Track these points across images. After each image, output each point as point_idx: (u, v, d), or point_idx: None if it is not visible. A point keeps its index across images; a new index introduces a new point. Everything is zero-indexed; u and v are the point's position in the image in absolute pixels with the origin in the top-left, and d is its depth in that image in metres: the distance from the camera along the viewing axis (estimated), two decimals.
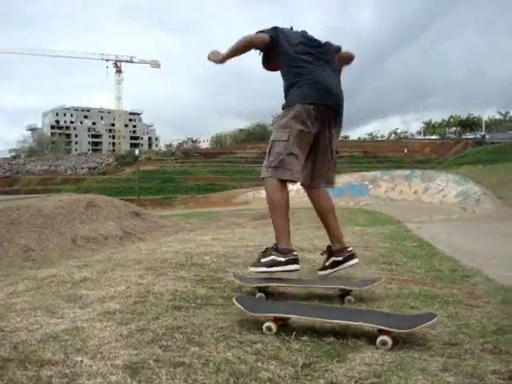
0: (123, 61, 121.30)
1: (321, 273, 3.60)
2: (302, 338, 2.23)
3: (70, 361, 2.00)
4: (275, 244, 3.32)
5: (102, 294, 3.15)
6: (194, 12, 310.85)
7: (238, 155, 75.18)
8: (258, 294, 3.00)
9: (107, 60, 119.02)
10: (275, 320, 2.32)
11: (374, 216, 15.09)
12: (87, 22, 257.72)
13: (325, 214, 3.72)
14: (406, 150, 65.43)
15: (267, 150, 3.59)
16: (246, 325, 2.44)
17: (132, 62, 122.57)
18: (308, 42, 3.57)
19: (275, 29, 3.59)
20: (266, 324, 2.30)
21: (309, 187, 3.79)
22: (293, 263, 3.19)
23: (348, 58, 3.93)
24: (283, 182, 3.50)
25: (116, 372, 1.87)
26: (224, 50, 3.67)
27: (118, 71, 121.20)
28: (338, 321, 2.31)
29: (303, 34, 3.67)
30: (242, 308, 2.43)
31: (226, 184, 56.05)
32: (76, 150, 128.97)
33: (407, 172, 31.84)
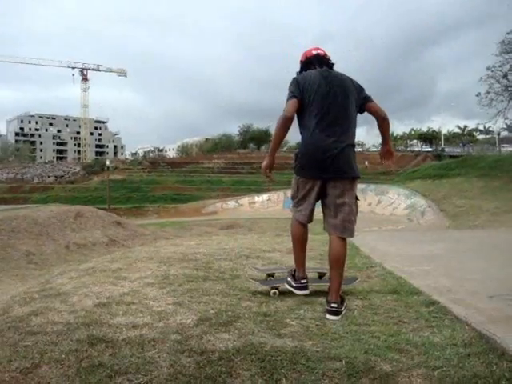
0: (90, 69, 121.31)
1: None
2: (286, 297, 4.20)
3: (141, 303, 3.90)
4: (294, 269, 4.15)
5: (137, 275, 5.04)
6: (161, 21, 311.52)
7: (205, 165, 76.25)
8: (272, 291, 4.38)
9: (73, 68, 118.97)
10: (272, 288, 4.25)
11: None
12: (54, 27, 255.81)
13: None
14: (366, 163, 67.58)
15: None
16: (232, 287, 4.43)
17: (98, 70, 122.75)
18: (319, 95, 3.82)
19: (296, 86, 3.87)
20: (273, 290, 4.23)
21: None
22: (301, 289, 4.01)
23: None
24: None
25: (169, 305, 3.80)
26: None
27: (85, 79, 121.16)
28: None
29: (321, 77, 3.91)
30: (256, 283, 4.41)
31: (193, 194, 57.32)
32: (41, 157, 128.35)
33: (363, 186, 34.08)
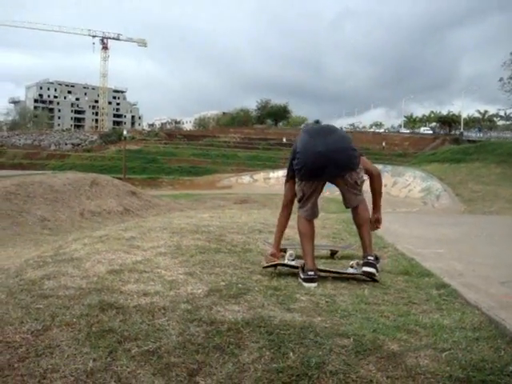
0: (110, 38, 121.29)
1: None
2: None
3: (153, 272, 3.93)
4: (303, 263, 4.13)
5: (150, 245, 5.07)
6: None
7: (221, 139, 76.19)
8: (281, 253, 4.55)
9: (94, 36, 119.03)
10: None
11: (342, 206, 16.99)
12: None
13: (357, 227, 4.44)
14: (383, 144, 67.19)
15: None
16: (243, 261, 4.45)
17: (119, 39, 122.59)
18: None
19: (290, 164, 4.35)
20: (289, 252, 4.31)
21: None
22: (308, 281, 3.87)
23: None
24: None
25: (180, 275, 3.83)
26: None
27: (105, 48, 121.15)
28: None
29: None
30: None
31: (208, 167, 57.47)
32: (58, 124, 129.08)
33: (379, 166, 33.95)
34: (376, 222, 4.61)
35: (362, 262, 4.13)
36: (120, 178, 24.94)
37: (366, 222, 4.35)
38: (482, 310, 3.13)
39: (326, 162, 4.02)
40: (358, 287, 3.77)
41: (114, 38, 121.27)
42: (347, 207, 4.38)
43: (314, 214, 4.31)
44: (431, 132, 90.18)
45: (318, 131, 4.32)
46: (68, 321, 2.78)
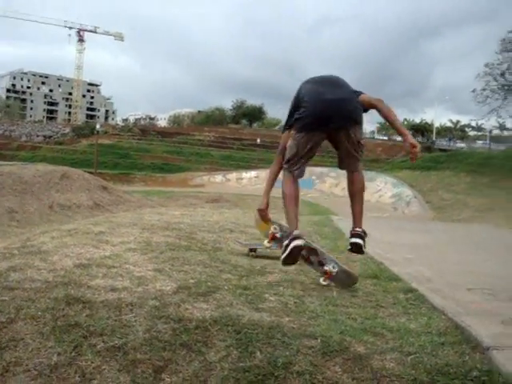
0: (86, 30, 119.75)
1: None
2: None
3: (122, 267, 3.89)
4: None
5: (120, 240, 5.02)
6: None
7: (195, 137, 75.79)
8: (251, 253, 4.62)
9: (70, 28, 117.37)
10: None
11: (315, 208, 17.16)
12: None
13: (350, 196, 4.24)
14: None
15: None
16: (213, 259, 4.43)
17: (95, 32, 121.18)
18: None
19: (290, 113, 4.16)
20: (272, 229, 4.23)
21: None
22: (295, 239, 3.75)
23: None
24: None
25: (149, 271, 3.79)
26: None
27: (81, 40, 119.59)
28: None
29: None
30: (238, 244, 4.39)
31: (181, 165, 57.17)
32: (30, 116, 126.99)
33: None
34: (412, 148, 3.80)
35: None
36: (91, 173, 24.63)
37: (360, 192, 4.21)
38: (448, 316, 3.16)
39: (333, 111, 3.84)
40: (326, 289, 3.78)
41: (90, 31, 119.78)
42: (342, 168, 4.22)
43: (302, 173, 4.09)
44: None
45: (327, 80, 4.12)
46: (33, 314, 2.73)
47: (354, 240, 4.03)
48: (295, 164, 4.06)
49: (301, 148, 3.99)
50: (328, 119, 3.86)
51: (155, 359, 2.37)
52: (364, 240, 4.05)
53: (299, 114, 3.98)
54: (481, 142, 74.41)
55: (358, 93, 4.08)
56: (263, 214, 4.37)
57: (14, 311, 2.75)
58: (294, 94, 4.24)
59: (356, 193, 4.19)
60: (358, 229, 4.09)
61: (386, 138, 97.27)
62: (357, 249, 4.06)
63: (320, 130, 3.95)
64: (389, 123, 4.14)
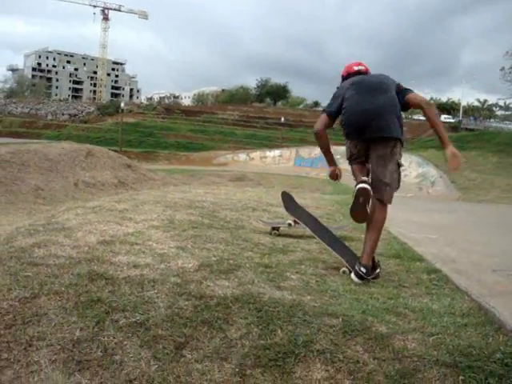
0: (111, 8, 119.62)
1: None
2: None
3: (145, 244, 3.91)
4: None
5: (143, 217, 5.05)
6: None
7: (219, 116, 75.80)
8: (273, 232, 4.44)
9: (95, 6, 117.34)
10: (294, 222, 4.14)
11: (338, 187, 16.97)
12: None
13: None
14: None
15: None
16: (236, 237, 4.44)
17: (120, 10, 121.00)
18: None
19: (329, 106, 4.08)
20: (288, 221, 4.13)
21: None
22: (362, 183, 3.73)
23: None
24: None
25: (172, 249, 3.81)
26: None
27: (105, 18, 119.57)
28: (325, 245, 4.11)
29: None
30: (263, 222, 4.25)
31: (205, 143, 57.16)
32: (56, 94, 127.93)
33: None
34: (454, 158, 3.66)
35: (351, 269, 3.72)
36: (116, 151, 24.76)
37: (374, 229, 3.81)
38: (471, 297, 3.13)
39: (364, 122, 3.77)
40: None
41: (115, 9, 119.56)
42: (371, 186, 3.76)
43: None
44: (452, 120, 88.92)
45: (369, 86, 3.94)
46: (56, 289, 2.76)
47: (353, 277, 3.58)
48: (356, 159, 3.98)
49: (353, 151, 3.96)
50: (360, 128, 3.80)
51: (176, 335, 2.38)
52: (363, 278, 3.54)
53: (341, 121, 3.95)
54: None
55: (406, 91, 3.93)
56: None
57: (38, 286, 2.78)
58: (333, 83, 4.29)
59: (370, 226, 3.84)
60: (362, 268, 3.57)
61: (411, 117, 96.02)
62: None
63: (358, 140, 3.90)
64: (432, 128, 3.89)
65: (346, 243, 4.77)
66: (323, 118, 4.02)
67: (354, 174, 4.04)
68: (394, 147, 3.79)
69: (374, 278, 3.58)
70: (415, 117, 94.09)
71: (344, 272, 3.69)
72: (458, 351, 2.31)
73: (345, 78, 4.23)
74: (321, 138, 4.03)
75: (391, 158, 3.78)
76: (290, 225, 4.02)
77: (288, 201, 4.44)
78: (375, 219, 3.79)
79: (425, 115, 3.88)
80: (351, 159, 4.03)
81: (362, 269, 3.55)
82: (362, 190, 3.66)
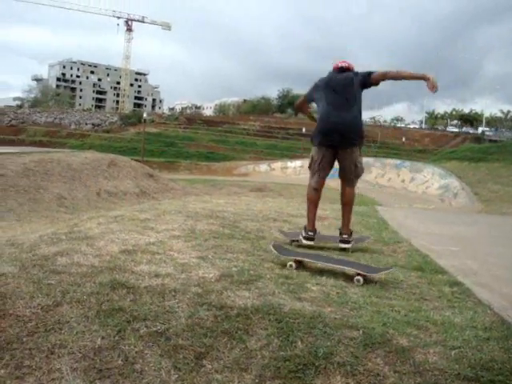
0: (134, 20, 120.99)
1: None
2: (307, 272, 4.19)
3: (166, 254, 3.94)
4: (304, 226, 5.14)
5: (164, 227, 5.08)
6: None
7: (241, 126, 76.10)
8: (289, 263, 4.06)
9: (119, 17, 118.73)
10: (295, 261, 4.03)
11: (360, 198, 16.91)
12: None
13: (341, 204, 5.26)
14: (403, 139, 66.67)
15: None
16: (256, 248, 4.45)
17: (143, 21, 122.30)
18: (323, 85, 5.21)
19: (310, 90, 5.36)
20: (289, 263, 4.00)
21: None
22: (307, 240, 4.92)
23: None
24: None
25: (193, 259, 3.83)
26: None
27: (129, 30, 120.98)
28: (333, 265, 4.02)
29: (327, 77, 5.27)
30: (275, 252, 4.18)
31: (226, 154, 57.44)
32: (80, 104, 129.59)
33: (397, 161, 33.86)
34: (430, 82, 4.71)
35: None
36: (138, 160, 24.96)
37: (349, 204, 5.18)
38: (494, 310, 3.09)
39: (336, 133, 4.88)
40: (369, 280, 3.73)
41: (138, 20, 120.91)
42: (341, 178, 5.14)
43: (317, 183, 5.09)
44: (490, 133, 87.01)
45: (339, 104, 4.95)
46: (78, 298, 2.79)
47: (341, 245, 5.00)
48: (314, 173, 5.11)
49: (316, 159, 5.08)
50: (332, 137, 4.93)
51: (197, 345, 2.39)
52: (350, 242, 4.98)
53: (315, 128, 5.14)
54: None
55: (368, 74, 5.03)
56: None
57: (60, 295, 2.82)
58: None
59: (345, 203, 5.20)
60: (344, 235, 5.04)
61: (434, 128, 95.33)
62: (346, 251, 4.92)
63: (327, 146, 5.01)
64: (403, 78, 4.95)
65: (367, 255, 4.77)
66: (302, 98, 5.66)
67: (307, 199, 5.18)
68: (353, 151, 5.06)
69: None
70: (439, 127, 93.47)
71: (358, 281, 3.67)
72: (480, 365, 2.28)
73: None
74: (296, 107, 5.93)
75: (357, 160, 5.09)
76: (291, 266, 3.94)
77: (279, 249, 4.34)
78: (348, 200, 5.17)
79: (395, 78, 4.99)
80: (311, 168, 5.21)
81: (344, 236, 5.02)
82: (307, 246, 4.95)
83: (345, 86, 5.04)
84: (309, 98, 5.46)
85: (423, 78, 4.71)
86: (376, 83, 5.05)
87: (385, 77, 5.00)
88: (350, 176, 5.09)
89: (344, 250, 4.94)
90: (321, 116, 5.05)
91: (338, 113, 4.90)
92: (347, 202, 5.18)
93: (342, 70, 5.23)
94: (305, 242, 4.90)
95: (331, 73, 5.27)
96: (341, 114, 4.89)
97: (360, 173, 5.14)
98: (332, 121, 4.91)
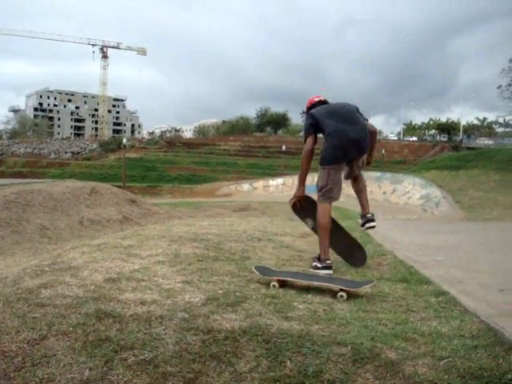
0: (109, 46, 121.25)
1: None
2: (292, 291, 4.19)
3: (151, 280, 3.92)
4: (319, 254, 4.92)
5: (148, 253, 5.06)
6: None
7: (221, 147, 76.29)
8: (272, 283, 4.00)
9: (94, 45, 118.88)
10: (278, 281, 3.99)
11: (343, 212, 16.93)
12: (75, 5, 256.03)
13: (357, 192, 5.48)
14: (383, 151, 67.19)
15: None
16: (242, 269, 4.44)
17: (118, 47, 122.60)
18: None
19: (311, 126, 5.09)
20: (272, 283, 3.96)
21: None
22: (326, 269, 4.71)
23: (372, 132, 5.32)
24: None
25: (178, 283, 3.81)
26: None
27: (104, 56, 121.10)
28: (317, 282, 4.00)
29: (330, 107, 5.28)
30: (258, 273, 4.16)
31: (208, 175, 57.40)
32: (58, 133, 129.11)
33: (378, 174, 33.92)
34: (367, 164, 5.45)
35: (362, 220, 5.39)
36: (120, 186, 24.84)
37: (365, 187, 5.46)
38: (480, 318, 3.11)
39: (355, 148, 5.01)
40: (355, 295, 3.74)
41: (113, 47, 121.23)
42: (347, 178, 5.35)
43: (334, 197, 5.05)
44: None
45: (347, 116, 5.08)
46: (64, 330, 2.76)
47: (370, 224, 5.36)
48: (329, 192, 4.98)
49: (332, 178, 4.97)
50: (351, 151, 5.01)
51: (185, 371, 2.38)
52: (375, 220, 5.38)
53: (325, 147, 4.99)
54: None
55: (366, 120, 5.29)
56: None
57: (46, 327, 2.79)
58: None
59: (361, 189, 5.41)
60: (368, 215, 5.34)
61: (413, 138, 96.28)
62: (373, 228, 5.48)
63: (344, 159, 5.06)
64: (371, 146, 5.28)
65: (353, 269, 4.80)
66: (311, 139, 5.09)
67: (319, 224, 5.01)
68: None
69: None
70: (411, 138, 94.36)
71: (341, 296, 3.68)
72: (469, 374, 2.29)
73: (309, 109, 5.34)
74: (310, 156, 5.08)
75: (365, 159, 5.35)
76: (274, 286, 3.92)
77: (262, 270, 4.31)
78: (363, 184, 5.50)
79: (372, 139, 5.24)
80: (323, 190, 5.02)
81: (369, 215, 5.36)
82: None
83: (347, 110, 5.22)
84: (315, 130, 5.11)
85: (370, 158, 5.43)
86: None
87: (373, 132, 5.39)
88: (359, 170, 5.36)
89: (373, 227, 5.44)
90: (336, 132, 4.93)
91: (352, 127, 4.97)
92: (362, 188, 5.42)
93: (321, 103, 5.38)
94: (325, 271, 4.69)
95: (321, 105, 5.31)
96: (355, 128, 4.98)
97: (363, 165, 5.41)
98: (351, 136, 4.92)
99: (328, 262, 4.77)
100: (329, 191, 4.97)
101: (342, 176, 5.20)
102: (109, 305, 3.18)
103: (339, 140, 4.91)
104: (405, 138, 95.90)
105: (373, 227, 5.42)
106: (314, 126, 5.06)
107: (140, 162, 61.45)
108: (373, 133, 5.30)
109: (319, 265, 4.76)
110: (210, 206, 24.12)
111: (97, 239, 6.82)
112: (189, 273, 4.19)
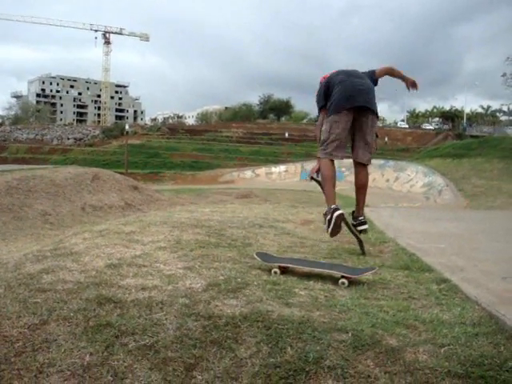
0: (112, 32, 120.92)
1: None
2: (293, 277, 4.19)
3: (152, 266, 3.92)
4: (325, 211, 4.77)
5: (150, 239, 5.05)
6: None
7: (224, 134, 76.17)
8: (273, 270, 3.99)
9: (96, 31, 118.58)
10: (280, 267, 4.00)
11: (346, 200, 16.93)
12: None
13: (356, 189, 5.16)
14: (386, 139, 67.01)
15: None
16: (243, 255, 4.44)
17: (121, 33, 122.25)
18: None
19: (324, 94, 5.06)
20: (273, 269, 3.97)
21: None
22: (335, 211, 4.49)
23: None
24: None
25: (179, 269, 3.81)
26: None
27: (107, 42, 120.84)
28: (318, 269, 4.02)
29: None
30: (259, 260, 4.18)
31: (210, 162, 57.34)
32: (61, 119, 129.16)
33: (381, 161, 33.90)
34: (414, 85, 5.28)
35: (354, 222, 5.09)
36: (122, 173, 24.82)
37: (365, 186, 5.13)
38: (482, 306, 3.10)
39: (360, 94, 4.82)
40: (357, 282, 3.74)
41: (116, 33, 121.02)
42: (355, 158, 4.99)
43: (337, 151, 4.82)
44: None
45: (354, 73, 5.10)
46: (65, 315, 2.77)
47: (361, 227, 5.08)
48: (330, 146, 4.79)
49: (333, 129, 4.78)
50: (356, 98, 4.77)
51: (186, 357, 2.38)
52: (367, 223, 5.16)
53: (332, 97, 4.88)
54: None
55: (372, 71, 5.24)
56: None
57: (47, 313, 2.79)
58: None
59: (362, 186, 5.11)
60: (361, 217, 5.09)
61: (429, 126, 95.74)
62: (364, 233, 5.16)
63: (348, 110, 4.77)
64: (397, 76, 5.31)
65: (355, 257, 4.79)
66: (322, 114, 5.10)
67: (322, 176, 4.90)
68: (374, 120, 4.99)
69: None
70: (428, 126, 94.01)
71: (343, 283, 3.68)
72: (470, 361, 2.29)
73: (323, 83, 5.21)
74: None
75: (375, 130, 5.05)
76: (275, 272, 3.91)
77: (263, 256, 4.28)
78: (364, 181, 5.11)
79: (391, 75, 5.31)
80: (326, 142, 4.83)
81: (361, 218, 5.09)
82: (340, 216, 4.51)
83: (355, 70, 5.22)
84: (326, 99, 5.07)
85: (409, 78, 5.25)
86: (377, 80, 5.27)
87: (387, 71, 5.35)
88: (368, 148, 4.96)
89: (365, 231, 5.17)
90: (342, 84, 4.91)
91: (360, 80, 4.97)
92: (364, 184, 5.13)
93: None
94: (335, 214, 4.47)
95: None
96: (362, 81, 4.97)
97: (374, 150, 5.05)
98: (356, 85, 4.88)
99: (332, 206, 4.56)
100: (330, 145, 4.80)
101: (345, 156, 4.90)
102: (110, 290, 3.18)
103: (345, 87, 4.86)
104: (420, 126, 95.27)
105: (364, 231, 5.15)
106: (326, 94, 5.02)
107: (142, 149, 61.42)
108: (389, 70, 5.34)
109: (327, 215, 4.57)
110: (213, 193, 24.15)
111: (99, 225, 6.83)
112: (190, 259, 4.19)
